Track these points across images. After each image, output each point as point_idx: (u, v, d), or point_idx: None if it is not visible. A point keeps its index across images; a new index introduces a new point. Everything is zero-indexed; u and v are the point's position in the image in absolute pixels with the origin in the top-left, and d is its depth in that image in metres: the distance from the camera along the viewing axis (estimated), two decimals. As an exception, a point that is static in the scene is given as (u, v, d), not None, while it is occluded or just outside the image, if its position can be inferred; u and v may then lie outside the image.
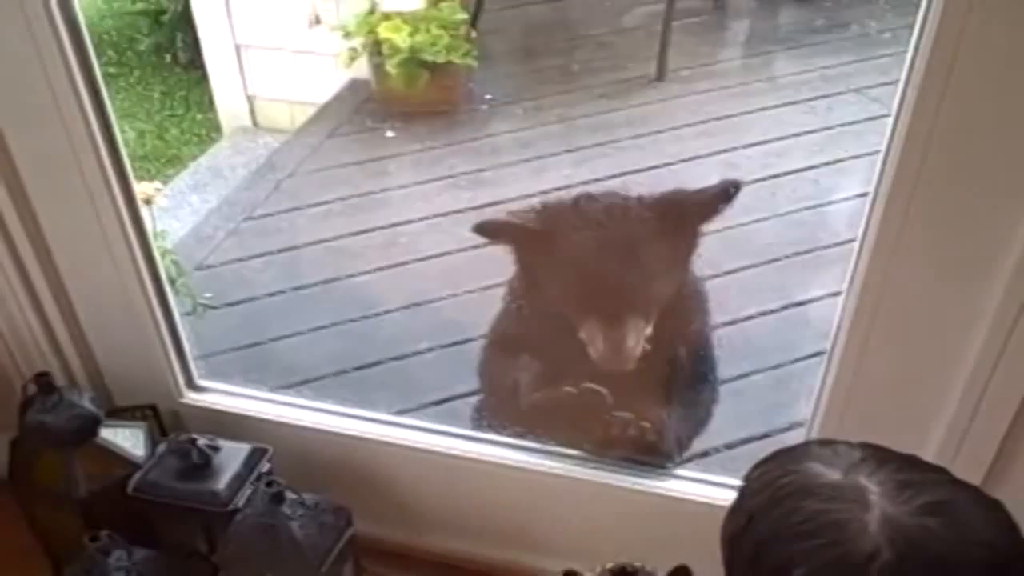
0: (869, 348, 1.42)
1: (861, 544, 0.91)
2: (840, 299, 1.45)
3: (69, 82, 1.55)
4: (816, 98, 3.67)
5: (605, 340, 1.93)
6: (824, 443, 1.05)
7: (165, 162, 3.79)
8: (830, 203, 3.14)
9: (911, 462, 1.01)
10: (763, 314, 2.74)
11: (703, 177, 3.28)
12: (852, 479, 0.97)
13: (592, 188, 2.51)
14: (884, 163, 1.30)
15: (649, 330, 1.96)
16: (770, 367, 2.56)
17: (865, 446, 1.03)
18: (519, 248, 2.03)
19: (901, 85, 1.25)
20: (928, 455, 1.36)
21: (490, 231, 2.06)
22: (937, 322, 1.37)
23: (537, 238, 1.99)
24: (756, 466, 1.07)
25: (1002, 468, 1.43)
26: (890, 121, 1.28)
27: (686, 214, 1.98)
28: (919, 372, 1.42)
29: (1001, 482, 1.42)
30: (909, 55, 1.23)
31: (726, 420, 2.20)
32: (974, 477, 1.33)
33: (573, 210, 2.00)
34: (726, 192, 1.96)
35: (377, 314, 2.80)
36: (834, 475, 0.98)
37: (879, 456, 1.01)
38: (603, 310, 1.95)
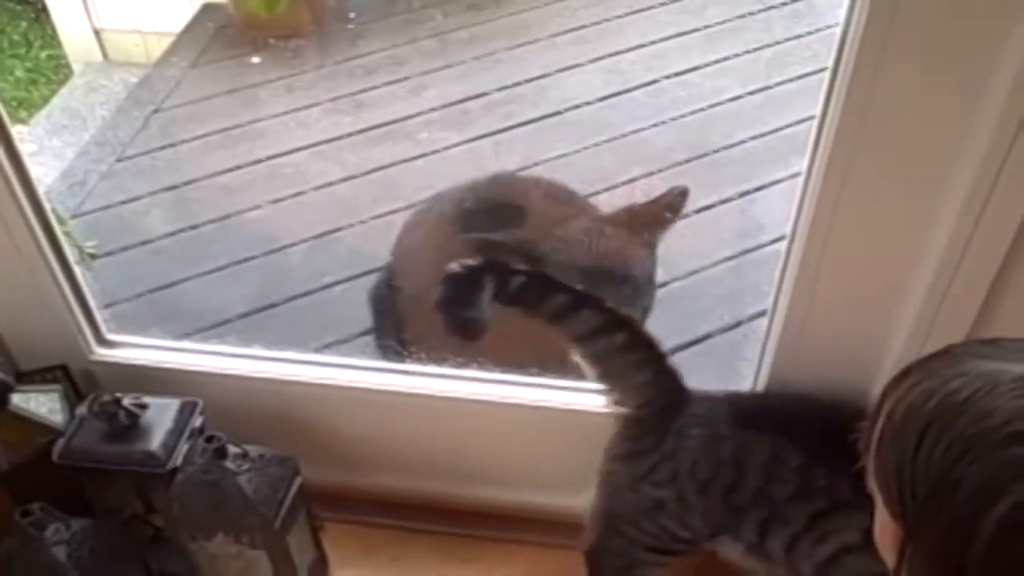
0: (838, 219, 1.32)
1: None
2: (800, 179, 1.35)
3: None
4: (689, -5, 3.63)
5: None
6: (980, 342, 0.88)
7: (16, 105, 3.54)
8: (718, 104, 3.13)
9: None
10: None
11: (586, 84, 3.28)
12: None
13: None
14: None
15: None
16: (689, 273, 2.55)
17: None
18: None
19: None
20: (908, 321, 1.33)
21: None
22: (914, 177, 1.27)
23: None
24: (894, 383, 0.89)
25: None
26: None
27: None
28: (892, 239, 1.34)
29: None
30: None
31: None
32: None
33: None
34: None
35: (277, 250, 2.68)
36: (1018, 367, 0.81)
37: None
38: None
